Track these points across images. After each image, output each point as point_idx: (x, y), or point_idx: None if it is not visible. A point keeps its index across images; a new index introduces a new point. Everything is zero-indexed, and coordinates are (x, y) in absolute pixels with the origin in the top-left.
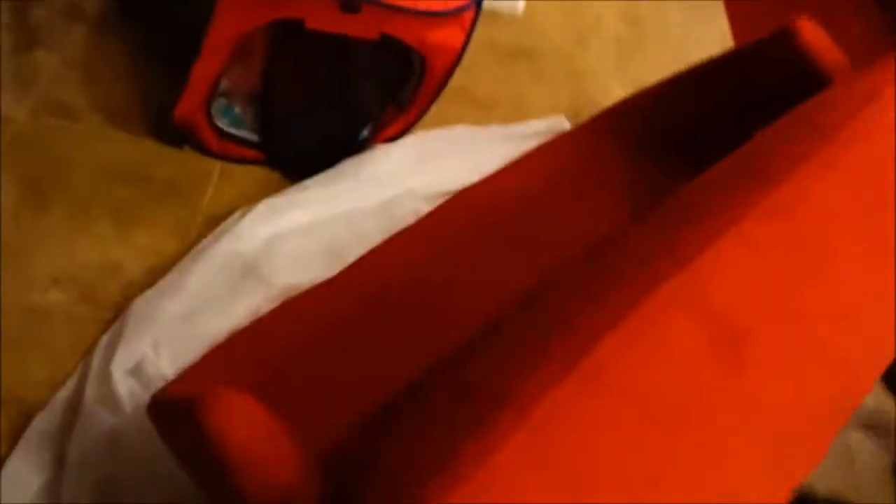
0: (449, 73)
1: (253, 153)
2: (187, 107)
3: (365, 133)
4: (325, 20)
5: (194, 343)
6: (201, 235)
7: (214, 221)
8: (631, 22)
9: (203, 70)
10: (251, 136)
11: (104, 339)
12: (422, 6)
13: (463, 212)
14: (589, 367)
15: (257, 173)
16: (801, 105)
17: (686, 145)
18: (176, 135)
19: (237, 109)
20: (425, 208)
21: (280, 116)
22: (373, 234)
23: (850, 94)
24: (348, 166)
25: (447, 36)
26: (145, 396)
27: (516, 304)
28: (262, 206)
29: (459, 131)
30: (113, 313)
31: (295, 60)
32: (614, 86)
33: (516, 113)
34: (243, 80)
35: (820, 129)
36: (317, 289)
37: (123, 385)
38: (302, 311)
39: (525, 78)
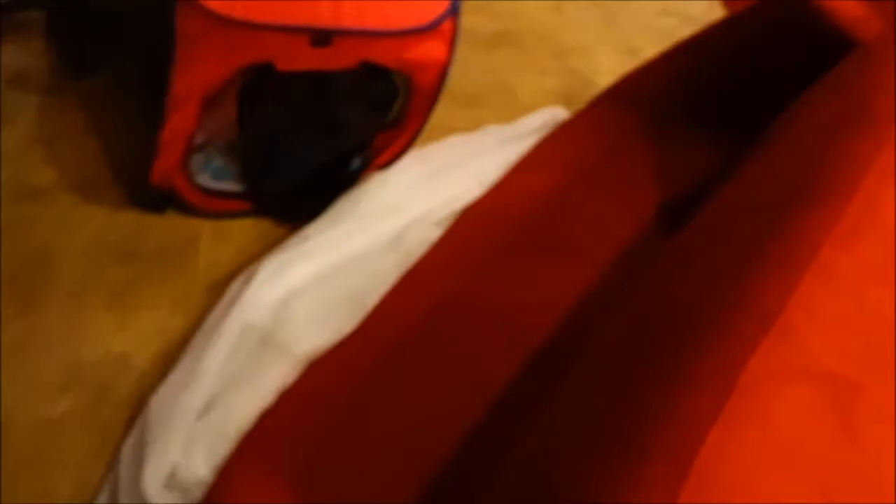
0: (438, 88)
1: (240, 204)
2: (164, 169)
3: (356, 164)
4: (297, 59)
5: (225, 434)
6: (204, 306)
7: (215, 287)
8: None
9: (174, 129)
10: (236, 187)
11: (127, 446)
12: (396, 25)
13: (477, 229)
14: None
15: (248, 225)
16: (836, 74)
17: (699, 117)
18: (156, 200)
19: (218, 161)
20: (437, 234)
21: (262, 161)
22: (390, 273)
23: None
24: (346, 204)
25: (429, 51)
26: None
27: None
28: (265, 268)
29: (455, 141)
30: (130, 411)
31: (271, 101)
32: (603, 55)
33: (507, 106)
34: (220, 129)
35: (871, 111)
36: (341, 347)
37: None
38: (331, 375)
39: (509, 66)
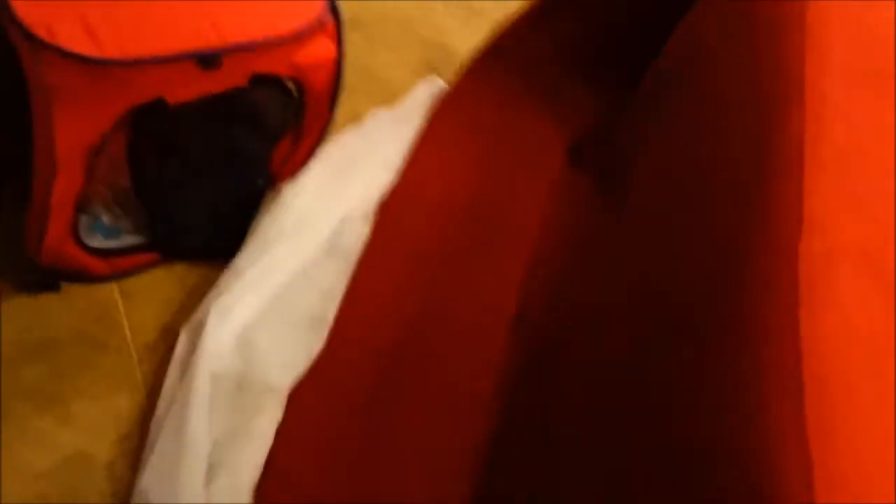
0: (334, 87)
1: (146, 257)
2: (53, 242)
3: (260, 183)
4: (188, 88)
5: (242, 494)
6: (147, 374)
7: (152, 350)
8: None
9: (60, 194)
10: (135, 240)
11: None
12: (281, 31)
13: (406, 220)
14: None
15: (161, 275)
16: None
17: (580, 63)
18: (48, 278)
19: (106, 218)
20: (366, 227)
21: (162, 206)
22: (338, 281)
23: None
24: (266, 225)
25: (317, 50)
26: None
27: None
28: (213, 314)
29: (350, 135)
30: None
31: (162, 138)
32: (449, 19)
33: (378, 89)
34: (101, 182)
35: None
36: (317, 371)
37: None
38: (319, 401)
39: (361, 49)
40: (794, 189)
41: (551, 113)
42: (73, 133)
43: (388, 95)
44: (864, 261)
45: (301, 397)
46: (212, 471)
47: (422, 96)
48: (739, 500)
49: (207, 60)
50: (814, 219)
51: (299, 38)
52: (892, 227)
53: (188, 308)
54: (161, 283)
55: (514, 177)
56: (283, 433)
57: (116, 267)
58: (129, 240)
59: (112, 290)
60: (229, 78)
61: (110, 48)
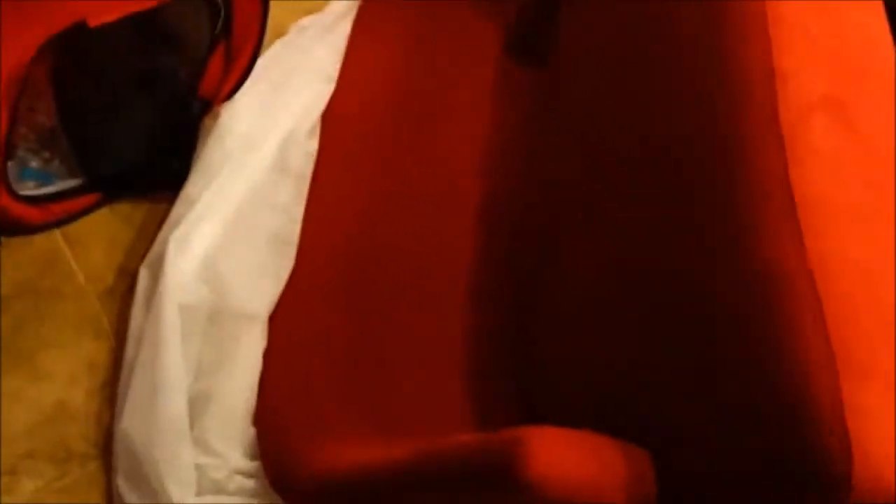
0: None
1: (85, 200)
2: None
3: (196, 107)
4: (109, 8)
5: (240, 417)
6: (111, 316)
7: (110, 292)
8: None
9: None
10: (71, 184)
11: (120, 485)
12: None
13: (355, 127)
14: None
15: (105, 216)
16: None
17: None
18: None
19: (35, 163)
20: (314, 145)
21: (93, 134)
22: (293, 200)
23: None
24: (210, 150)
25: None
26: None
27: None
28: (171, 246)
29: (278, 49)
30: (98, 450)
31: (85, 63)
32: None
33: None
34: (26, 124)
35: None
36: (291, 293)
37: None
38: (302, 319)
39: None
40: (762, 48)
41: (483, 8)
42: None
43: (310, 5)
44: (835, 110)
45: (283, 319)
46: (199, 403)
47: (345, 2)
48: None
49: None
50: (785, 74)
51: None
52: (856, 76)
53: (140, 246)
54: (107, 225)
55: (452, 68)
56: (274, 354)
57: (54, 214)
58: (63, 184)
59: (55, 237)
60: None
61: None
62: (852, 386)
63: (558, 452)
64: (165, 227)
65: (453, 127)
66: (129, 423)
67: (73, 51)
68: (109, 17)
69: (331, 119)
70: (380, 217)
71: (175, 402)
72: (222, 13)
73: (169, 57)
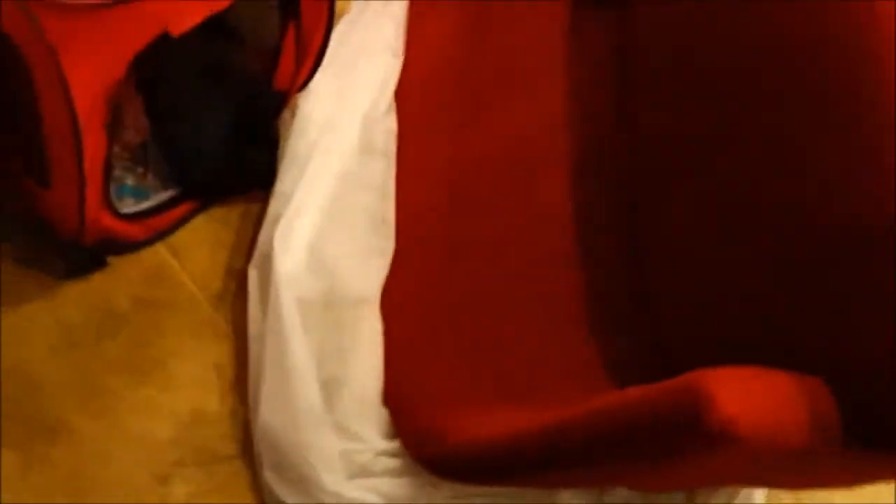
0: None
1: (182, 209)
2: (91, 216)
3: (275, 100)
4: (189, 13)
5: (371, 401)
6: (227, 318)
7: (221, 297)
8: None
9: (90, 160)
10: (166, 195)
11: (270, 480)
12: None
13: (429, 98)
14: None
15: (202, 222)
16: None
17: None
18: (93, 258)
19: (130, 181)
20: (393, 119)
21: (184, 147)
22: (384, 177)
23: None
24: (294, 142)
25: None
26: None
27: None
28: (277, 244)
29: (344, 27)
30: (241, 447)
31: (167, 77)
32: None
33: None
34: (117, 143)
35: None
36: (397, 272)
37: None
38: (412, 297)
39: None
40: None
41: None
42: (89, 89)
43: None
44: None
45: (394, 298)
46: (330, 389)
47: None
48: None
49: None
50: None
51: None
52: None
53: (241, 245)
54: (205, 230)
55: (521, 22)
56: (392, 333)
57: (155, 228)
58: (159, 196)
59: (159, 251)
60: None
61: None
62: None
63: (740, 390)
64: (266, 226)
65: (531, 84)
66: (269, 417)
67: (155, 61)
68: (190, 22)
69: (404, 94)
70: (471, 183)
71: (310, 392)
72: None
73: (240, 53)
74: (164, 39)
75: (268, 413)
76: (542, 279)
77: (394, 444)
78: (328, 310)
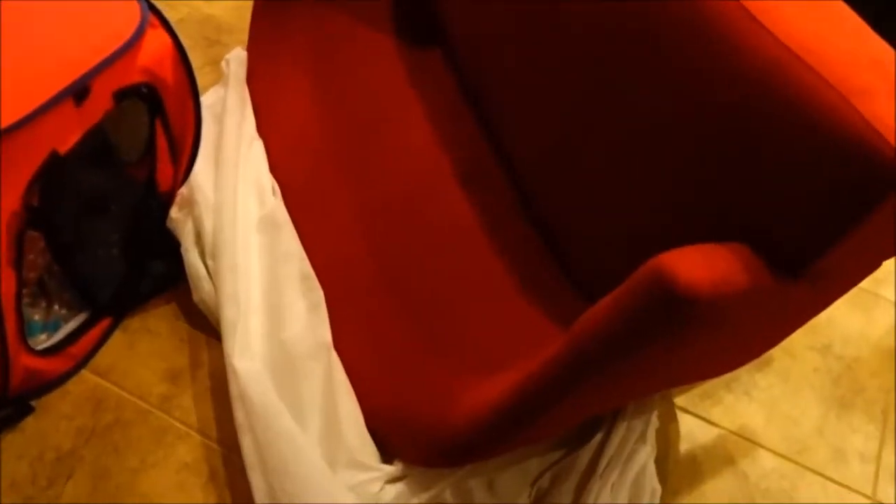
0: (188, 73)
1: (96, 331)
2: (12, 363)
3: (155, 204)
4: (70, 129)
5: (362, 433)
6: (181, 416)
7: (167, 398)
8: None
9: (5, 302)
10: (78, 321)
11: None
12: (121, 39)
13: (300, 160)
14: None
15: (119, 337)
16: None
17: None
18: (19, 406)
19: (37, 317)
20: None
21: (84, 270)
22: (292, 243)
23: None
24: (191, 240)
25: (155, 46)
26: None
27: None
28: (236, 361)
29: (207, 114)
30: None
31: (55, 204)
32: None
33: None
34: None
35: None
36: (334, 307)
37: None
38: (363, 321)
39: None
40: None
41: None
42: None
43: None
44: None
45: (344, 336)
46: (326, 441)
47: (234, 66)
48: None
49: (81, 92)
50: None
51: (138, 39)
52: None
53: (166, 346)
54: (127, 343)
55: (362, 72)
56: (356, 369)
57: (75, 356)
58: (70, 325)
59: (86, 378)
60: (100, 104)
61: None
62: None
63: (691, 261)
64: (225, 334)
65: (395, 124)
66: (265, 484)
67: (47, 188)
68: (73, 138)
69: (280, 170)
70: (376, 218)
71: (311, 458)
72: (155, 101)
73: (119, 168)
74: (53, 161)
75: (262, 482)
76: (469, 273)
77: (397, 468)
78: (295, 377)
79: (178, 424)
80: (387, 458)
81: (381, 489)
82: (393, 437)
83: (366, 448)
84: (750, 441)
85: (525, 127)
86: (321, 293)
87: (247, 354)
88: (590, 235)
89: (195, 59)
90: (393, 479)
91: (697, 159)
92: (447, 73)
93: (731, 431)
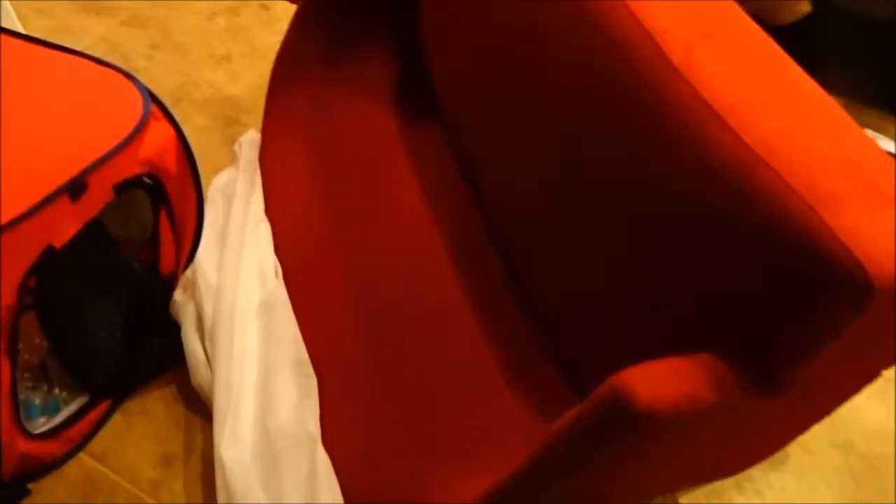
0: (189, 162)
1: (94, 414)
2: (7, 448)
3: (160, 287)
4: (67, 225)
5: None
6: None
7: (158, 485)
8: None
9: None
10: (77, 404)
11: None
12: (122, 134)
13: (308, 246)
14: None
15: (118, 420)
16: None
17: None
18: (15, 489)
19: (37, 401)
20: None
21: (84, 353)
22: (289, 326)
23: None
24: (190, 325)
25: (157, 137)
26: None
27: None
28: (224, 444)
29: (214, 195)
30: None
31: (54, 290)
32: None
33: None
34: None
35: None
36: (326, 398)
37: None
38: (355, 410)
39: None
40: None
41: (362, 76)
42: None
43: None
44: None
45: (333, 426)
46: None
47: (247, 150)
48: None
49: (77, 188)
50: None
51: (139, 131)
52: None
53: (161, 431)
54: (124, 426)
55: (364, 150)
56: (343, 464)
57: (73, 439)
58: (69, 408)
59: (82, 461)
60: (98, 198)
61: None
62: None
63: (652, 379)
64: (217, 423)
65: (390, 199)
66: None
67: (44, 276)
68: (71, 231)
69: (283, 247)
70: (369, 297)
71: None
72: (159, 191)
73: (119, 251)
74: (49, 254)
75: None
76: (458, 358)
77: None
78: (275, 465)
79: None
80: None
81: None
82: None
83: None
84: None
85: (510, 202)
86: (314, 380)
87: (234, 444)
88: (574, 321)
89: (214, 139)
90: None
91: (669, 253)
92: (444, 148)
93: None
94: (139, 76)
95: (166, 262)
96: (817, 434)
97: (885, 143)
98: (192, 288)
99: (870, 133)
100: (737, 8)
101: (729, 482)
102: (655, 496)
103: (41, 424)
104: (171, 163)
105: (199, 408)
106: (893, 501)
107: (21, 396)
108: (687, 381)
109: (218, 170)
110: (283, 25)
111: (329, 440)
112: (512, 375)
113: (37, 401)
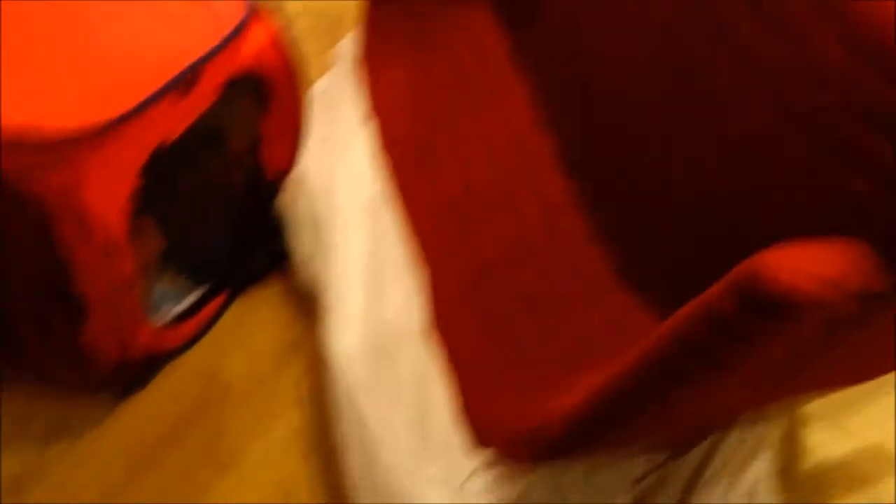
0: (290, 64)
1: (210, 308)
2: (132, 335)
3: (266, 190)
4: (177, 119)
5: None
6: (286, 390)
7: (275, 372)
8: None
9: (122, 280)
10: (193, 297)
11: None
12: (228, 27)
13: (411, 145)
14: None
15: (235, 312)
16: None
17: None
18: (138, 376)
19: (162, 286)
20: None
21: (202, 253)
22: (390, 227)
23: None
24: (316, 220)
25: (260, 36)
26: None
27: None
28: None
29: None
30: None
31: (176, 180)
32: None
33: None
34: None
35: None
36: (431, 295)
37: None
38: (452, 314)
39: None
40: None
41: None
42: (110, 211)
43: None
44: None
45: (440, 324)
46: (418, 429)
47: (349, 52)
48: None
49: (188, 82)
50: None
51: (243, 28)
52: None
53: (270, 326)
54: (233, 323)
55: (469, 63)
56: (454, 354)
57: (190, 331)
58: (188, 299)
59: (199, 351)
60: (205, 94)
61: (114, 106)
62: None
63: (796, 259)
64: (326, 318)
65: (491, 103)
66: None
67: (157, 171)
68: (184, 125)
69: (387, 151)
70: (476, 200)
71: (395, 441)
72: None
73: (229, 153)
74: (162, 147)
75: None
76: (560, 264)
77: (486, 459)
78: (385, 358)
79: (283, 400)
80: (476, 449)
81: (468, 479)
82: (485, 427)
83: (454, 438)
84: (889, 460)
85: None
86: (421, 277)
87: (343, 337)
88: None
89: (310, 48)
90: (481, 470)
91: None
92: (542, 57)
93: (869, 447)
94: None
95: (272, 165)
96: None
97: None
98: (299, 188)
99: None
100: None
101: (861, 388)
102: (776, 401)
103: (164, 313)
104: (274, 63)
105: (306, 304)
106: None
107: (147, 282)
108: (834, 264)
109: (321, 73)
110: None
111: (443, 331)
112: (616, 285)
113: (162, 287)
